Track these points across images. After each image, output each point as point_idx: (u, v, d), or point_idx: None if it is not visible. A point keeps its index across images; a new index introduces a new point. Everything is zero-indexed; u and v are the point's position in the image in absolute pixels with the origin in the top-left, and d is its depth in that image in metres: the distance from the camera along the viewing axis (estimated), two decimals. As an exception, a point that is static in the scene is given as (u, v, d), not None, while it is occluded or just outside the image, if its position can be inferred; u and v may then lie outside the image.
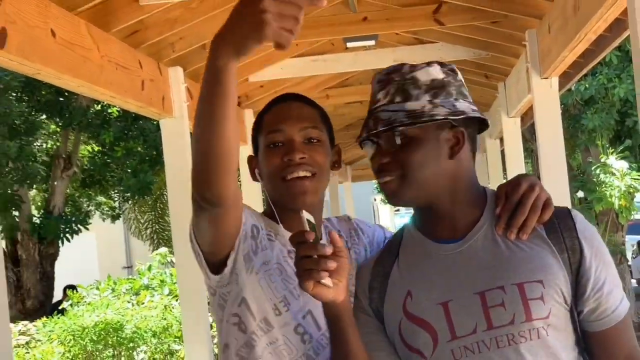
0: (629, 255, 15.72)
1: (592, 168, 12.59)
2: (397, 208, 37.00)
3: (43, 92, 14.07)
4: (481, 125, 2.23)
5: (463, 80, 2.19)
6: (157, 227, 17.86)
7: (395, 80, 2.09)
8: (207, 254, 2.33)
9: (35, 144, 15.16)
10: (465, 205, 2.14)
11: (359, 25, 7.03)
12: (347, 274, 2.08)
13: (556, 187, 6.74)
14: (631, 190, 11.90)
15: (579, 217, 2.10)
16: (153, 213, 17.78)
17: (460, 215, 2.14)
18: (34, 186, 15.53)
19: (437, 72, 2.12)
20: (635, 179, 12.00)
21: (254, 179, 2.53)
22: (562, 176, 6.76)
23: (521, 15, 6.46)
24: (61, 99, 14.09)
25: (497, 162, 11.11)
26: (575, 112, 12.05)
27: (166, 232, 16.87)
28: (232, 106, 1.98)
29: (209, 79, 1.99)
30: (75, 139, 15.18)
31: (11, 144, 13.65)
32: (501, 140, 9.87)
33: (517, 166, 9.09)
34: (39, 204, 16.56)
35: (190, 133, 6.73)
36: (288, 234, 2.30)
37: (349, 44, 7.69)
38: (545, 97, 6.62)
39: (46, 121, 15.02)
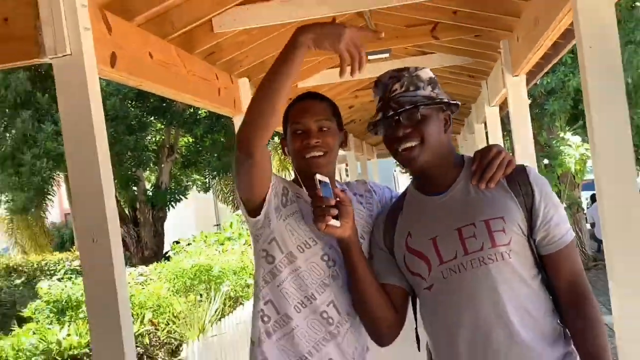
0: (584, 205, 15.56)
1: (554, 142, 12.48)
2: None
3: (151, 100, 14.17)
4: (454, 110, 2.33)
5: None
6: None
7: (405, 76, 2.18)
8: (245, 202, 2.43)
9: (146, 138, 15.24)
10: (449, 167, 2.20)
11: (377, 43, 6.99)
12: (351, 217, 2.24)
13: (526, 157, 6.68)
14: (584, 158, 11.78)
15: (532, 171, 2.17)
16: (233, 184, 17.86)
17: (445, 174, 2.19)
18: (147, 169, 15.67)
19: (429, 73, 2.24)
20: (587, 149, 11.87)
21: (284, 154, 2.63)
22: (530, 149, 6.69)
23: (497, 29, 6.41)
24: (164, 104, 14.17)
25: (483, 141, 11.06)
26: (541, 101, 11.96)
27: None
28: (291, 80, 2.17)
29: (284, 53, 2.18)
30: (175, 134, 15.27)
31: (130, 138, 13.82)
32: (485, 124, 9.79)
33: (498, 143, 9.04)
34: (152, 181, 16.65)
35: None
36: (303, 195, 2.50)
37: (370, 57, 7.63)
38: (516, 90, 6.57)
39: (154, 121, 15.10)
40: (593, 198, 16.62)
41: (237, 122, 6.44)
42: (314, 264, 2.44)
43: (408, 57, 8.24)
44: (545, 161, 11.72)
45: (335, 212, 2.16)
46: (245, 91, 6.46)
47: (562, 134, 12.79)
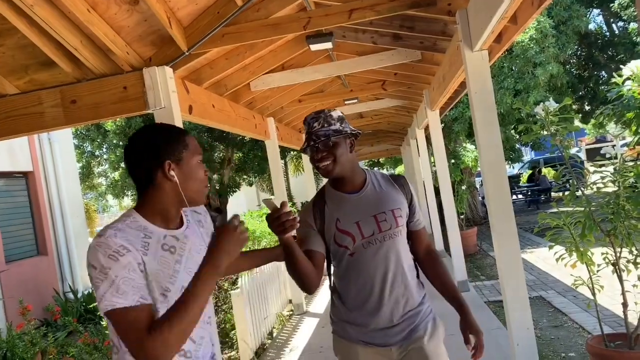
0: (477, 186, 15.47)
1: (458, 149, 12.43)
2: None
3: (216, 132, 14.11)
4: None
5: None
6: (269, 185, 17.81)
7: (322, 117, 1.97)
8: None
9: (214, 155, 15.19)
10: (357, 175, 2.03)
11: (349, 93, 6.98)
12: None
13: (441, 159, 6.67)
14: (476, 158, 11.73)
15: (406, 180, 2.10)
16: (268, 180, 17.79)
17: (355, 179, 2.03)
18: (216, 173, 15.61)
19: (339, 113, 2.02)
20: (477, 153, 11.84)
21: (167, 178, 1.54)
22: (443, 153, 6.67)
23: (420, 83, 6.39)
24: (224, 134, 14.11)
25: (415, 150, 11.02)
26: (449, 124, 11.88)
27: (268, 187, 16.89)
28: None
29: (206, 289, 1.40)
30: (231, 151, 15.20)
31: (203, 156, 13.77)
32: (416, 140, 9.73)
33: (423, 150, 9.01)
34: (218, 181, 16.62)
35: (280, 146, 6.75)
36: (159, 230, 1.52)
37: (346, 102, 7.61)
38: (434, 118, 6.56)
39: (218, 144, 15.03)
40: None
41: (268, 144, 6.44)
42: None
43: (369, 101, 8.19)
44: (453, 160, 11.65)
45: (297, 219, 1.79)
46: (271, 125, 6.44)
47: (463, 144, 12.75)
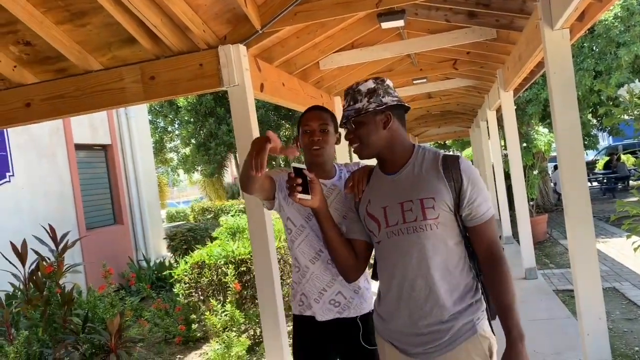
0: (549, 172, 14.87)
1: (531, 132, 11.99)
2: None
3: (283, 110, 14.27)
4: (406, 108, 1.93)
5: (390, 85, 1.88)
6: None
7: (350, 93, 1.84)
8: (262, 200, 2.22)
9: (280, 133, 15.39)
10: (398, 153, 1.83)
11: (418, 73, 6.86)
12: (318, 192, 1.93)
13: (513, 143, 6.46)
14: (549, 142, 11.25)
15: (463, 162, 1.78)
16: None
17: (397, 160, 1.84)
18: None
19: (370, 84, 1.83)
20: (552, 136, 11.35)
21: (297, 147, 2.17)
22: (515, 137, 6.46)
23: (494, 62, 6.20)
24: (290, 113, 14.24)
25: (485, 133, 10.74)
26: (522, 107, 11.45)
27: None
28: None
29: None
30: (297, 129, 15.36)
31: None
32: (487, 122, 9.46)
33: (494, 133, 8.76)
34: (284, 159, 16.83)
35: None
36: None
37: (415, 82, 7.50)
38: (507, 100, 6.38)
39: (284, 123, 15.20)
40: (555, 167, 15.92)
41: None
42: (317, 230, 2.14)
43: (438, 81, 8.02)
44: (524, 144, 11.23)
45: (299, 188, 1.86)
46: (338, 105, 6.45)
47: (536, 127, 12.27)
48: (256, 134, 3.21)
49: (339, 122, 1.96)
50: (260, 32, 3.21)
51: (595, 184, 17.37)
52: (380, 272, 1.89)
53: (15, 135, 7.50)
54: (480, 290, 1.81)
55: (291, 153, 1.84)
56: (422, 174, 1.80)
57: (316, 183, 1.94)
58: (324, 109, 2.30)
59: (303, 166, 1.93)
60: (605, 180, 16.85)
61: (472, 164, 1.83)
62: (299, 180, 1.87)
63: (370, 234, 1.89)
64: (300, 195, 1.87)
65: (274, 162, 15.53)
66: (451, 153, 1.97)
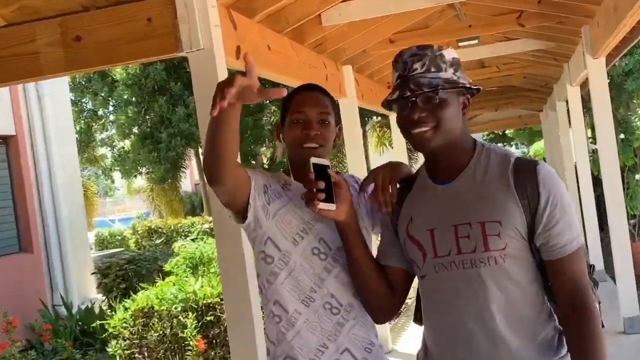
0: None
1: (632, 118, 12.01)
2: None
3: (266, 86, 14.29)
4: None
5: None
6: (340, 165, 17.91)
7: (428, 55, 1.86)
8: (229, 206, 2.19)
9: (263, 119, 15.47)
10: (460, 154, 1.90)
11: (467, 30, 6.88)
12: (347, 201, 1.98)
13: (605, 132, 6.48)
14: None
15: (543, 170, 1.81)
16: (339, 157, 17.87)
17: (455, 162, 1.89)
18: (264, 145, 15.91)
19: (454, 53, 1.92)
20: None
21: (279, 140, 2.37)
22: (610, 125, 6.48)
23: (578, 16, 6.23)
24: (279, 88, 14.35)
25: (564, 118, 10.77)
26: (619, 81, 11.45)
27: (344, 164, 16.91)
28: (231, 129, 1.89)
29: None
30: (281, 115, 15.47)
31: (248, 119, 14.08)
32: (567, 102, 9.50)
33: (578, 119, 8.80)
34: (267, 156, 16.91)
35: (359, 108, 6.78)
36: (298, 184, 2.20)
37: (460, 44, 7.52)
38: (597, 71, 6.39)
39: (269, 104, 15.27)
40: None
41: (342, 104, 6.49)
42: (307, 259, 2.16)
43: (495, 42, 8.05)
44: (622, 135, 11.25)
45: (322, 195, 1.90)
46: (349, 77, 6.48)
47: (638, 111, 12.28)
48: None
49: (397, 92, 1.90)
50: (236, -29, 3.23)
51: None
52: (426, 316, 1.96)
53: None
54: (566, 346, 1.84)
55: (277, 94, 1.80)
56: (485, 186, 1.85)
57: (343, 187, 1.99)
58: (323, 90, 2.30)
59: (326, 162, 1.99)
60: None
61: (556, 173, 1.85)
62: (321, 184, 1.92)
63: (412, 263, 1.96)
64: (322, 205, 1.91)
65: (253, 162, 15.54)
66: (527, 157, 2.01)
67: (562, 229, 1.78)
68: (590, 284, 1.82)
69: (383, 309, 2.04)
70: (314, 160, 1.95)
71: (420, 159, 13.38)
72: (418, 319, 2.05)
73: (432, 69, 1.86)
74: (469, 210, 1.82)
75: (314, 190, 1.90)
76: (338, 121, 2.32)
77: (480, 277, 1.79)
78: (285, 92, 1.78)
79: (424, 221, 1.89)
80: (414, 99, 1.83)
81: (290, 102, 2.25)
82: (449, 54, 1.90)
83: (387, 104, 1.93)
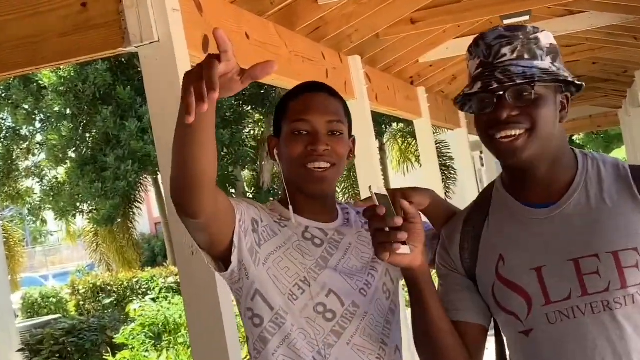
0: None
1: None
2: None
3: (247, 87, 14.38)
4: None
5: None
6: (352, 192, 17.93)
7: (520, 38, 1.86)
8: (207, 250, 2.13)
9: (244, 132, 15.51)
10: (561, 168, 1.91)
11: (514, 3, 6.91)
12: (422, 240, 1.90)
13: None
14: None
15: None
16: (348, 181, 17.91)
17: (555, 178, 1.90)
18: (246, 167, 15.92)
19: (552, 38, 1.92)
20: None
21: (272, 158, 2.33)
22: None
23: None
24: (262, 91, 14.37)
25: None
26: None
27: (355, 189, 16.91)
28: (208, 133, 1.80)
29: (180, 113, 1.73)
30: (275, 123, 15.51)
31: (224, 132, 14.05)
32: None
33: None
34: (250, 182, 16.94)
35: (372, 112, 6.79)
36: (298, 217, 2.21)
37: (506, 21, 7.56)
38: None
39: (251, 111, 15.34)
40: None
41: (350, 107, 6.50)
42: (308, 320, 2.12)
43: (554, 18, 8.08)
44: None
45: (404, 237, 1.82)
46: (357, 71, 6.49)
47: None
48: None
49: (478, 83, 1.88)
50: None
51: None
52: None
53: None
54: None
55: (265, 69, 1.69)
56: (606, 205, 1.86)
57: (418, 222, 1.93)
58: (332, 90, 2.29)
59: (384, 192, 1.93)
60: None
61: None
62: (399, 221, 1.84)
63: (506, 316, 1.96)
64: (402, 249, 1.84)
65: (232, 190, 15.52)
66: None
67: None
68: None
69: None
70: (376, 190, 1.87)
71: (461, 183, 13.32)
72: None
73: (526, 56, 1.86)
74: (593, 238, 1.83)
75: (387, 230, 1.80)
76: (351, 131, 2.31)
77: (618, 321, 1.80)
78: (276, 66, 1.70)
79: (524, 258, 1.89)
80: (501, 92, 1.83)
81: (288, 108, 2.24)
82: (547, 38, 1.91)
83: (463, 99, 1.94)
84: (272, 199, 15.73)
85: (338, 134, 2.18)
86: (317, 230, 2.23)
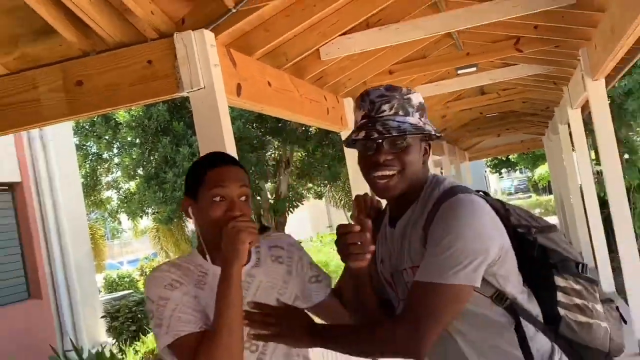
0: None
1: (634, 137, 12.01)
2: (501, 174, 35.23)
3: (269, 122, 14.37)
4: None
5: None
6: (347, 199, 17.92)
7: (396, 98, 1.81)
8: None
9: (266, 155, 15.49)
10: (408, 198, 1.88)
11: (464, 59, 6.91)
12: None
13: (609, 153, 6.46)
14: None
15: (450, 203, 1.78)
16: (343, 191, 17.86)
17: (401, 205, 1.90)
18: (268, 181, 15.91)
19: (420, 98, 1.87)
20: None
21: (187, 216, 2.11)
22: (613, 145, 6.46)
23: (575, 39, 6.26)
24: (280, 125, 14.35)
25: (567, 141, 10.78)
26: (619, 101, 11.48)
27: (349, 197, 16.93)
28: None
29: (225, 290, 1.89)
30: (290, 149, 15.44)
31: (252, 155, 14.06)
32: (568, 125, 9.52)
33: (580, 141, 8.79)
34: (272, 191, 16.91)
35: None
36: (214, 267, 2.01)
37: (459, 72, 7.56)
38: (597, 92, 6.39)
39: (272, 140, 15.31)
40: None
41: (344, 136, 6.48)
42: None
43: (494, 69, 8.09)
44: (626, 156, 11.24)
45: (373, 249, 1.82)
46: (349, 109, 6.48)
47: (640, 130, 12.33)
48: (233, 154, 3.20)
49: (361, 131, 1.85)
50: (234, 10, 3.24)
51: None
52: None
53: None
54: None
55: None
56: (414, 227, 1.85)
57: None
58: (238, 161, 2.14)
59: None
60: None
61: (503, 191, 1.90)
62: (368, 237, 1.83)
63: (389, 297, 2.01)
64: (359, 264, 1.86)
65: (258, 197, 15.52)
66: (451, 186, 1.91)
67: (426, 261, 1.77)
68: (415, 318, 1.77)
69: None
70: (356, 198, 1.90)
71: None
72: None
73: (400, 112, 1.82)
74: (403, 255, 1.84)
75: (359, 244, 1.80)
76: (429, 135, 2.08)
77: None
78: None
79: (389, 263, 1.89)
80: (381, 140, 1.79)
81: (207, 176, 2.04)
82: (417, 98, 1.87)
83: (351, 142, 1.89)
84: (287, 204, 15.72)
85: (244, 198, 2.02)
86: None
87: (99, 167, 18.18)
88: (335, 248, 1.89)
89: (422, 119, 1.85)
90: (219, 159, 2.10)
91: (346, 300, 2.02)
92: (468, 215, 1.74)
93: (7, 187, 9.71)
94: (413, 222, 1.84)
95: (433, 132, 1.84)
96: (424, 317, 1.72)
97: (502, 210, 1.87)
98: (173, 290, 1.94)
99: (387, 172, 1.80)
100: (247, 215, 2.01)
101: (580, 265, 1.89)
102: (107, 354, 9.03)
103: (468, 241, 1.72)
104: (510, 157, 23.18)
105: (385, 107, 1.81)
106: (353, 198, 1.89)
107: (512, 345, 1.81)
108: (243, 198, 2.02)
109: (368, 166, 1.82)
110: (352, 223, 1.76)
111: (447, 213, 1.75)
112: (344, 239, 1.76)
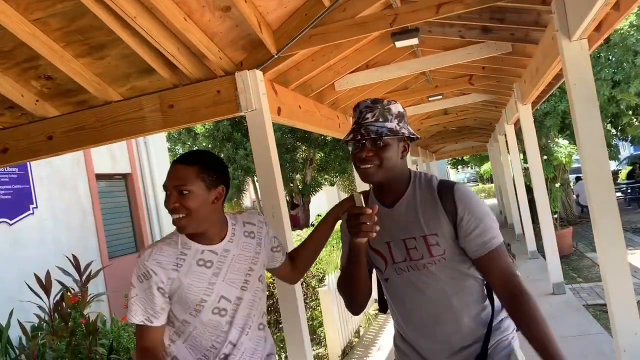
0: (571, 184, 14.62)
1: (550, 145, 11.85)
2: (458, 169, 34.87)
3: (299, 132, 14.36)
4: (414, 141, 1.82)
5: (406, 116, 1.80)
6: (351, 186, 17.80)
7: (378, 108, 1.69)
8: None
9: (297, 155, 15.48)
10: (399, 185, 1.74)
11: (433, 90, 6.85)
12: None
13: (533, 155, 6.39)
14: (570, 154, 11.11)
15: (458, 190, 1.66)
16: (349, 180, 17.75)
17: (395, 191, 1.74)
18: (298, 173, 15.88)
19: (400, 107, 1.73)
20: (572, 148, 11.23)
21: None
22: (536, 150, 6.38)
23: (511, 76, 6.18)
24: (306, 134, 14.31)
25: (504, 147, 10.64)
26: (540, 119, 11.35)
27: (353, 184, 16.84)
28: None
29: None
30: (313, 152, 15.40)
31: (287, 156, 14.06)
32: (505, 136, 9.42)
33: (513, 147, 8.69)
34: (300, 180, 16.90)
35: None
36: (195, 244, 1.79)
37: (430, 99, 7.49)
38: (525, 113, 6.33)
39: (300, 145, 15.28)
40: (577, 179, 15.68)
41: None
42: (205, 323, 1.77)
43: (454, 97, 8.01)
44: (545, 157, 11.10)
45: (377, 228, 1.60)
46: (355, 124, 6.45)
47: (555, 140, 12.15)
48: (275, 157, 3.20)
49: (351, 134, 1.69)
50: (275, 56, 3.23)
51: (619, 194, 17.05)
52: (395, 307, 1.82)
53: (38, 167, 7.62)
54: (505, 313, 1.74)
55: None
56: (421, 206, 1.70)
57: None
58: (189, 161, 1.77)
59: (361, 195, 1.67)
60: (629, 190, 16.56)
61: (471, 184, 1.77)
62: (375, 218, 1.60)
63: (375, 269, 1.82)
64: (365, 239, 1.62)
65: (291, 184, 15.52)
66: (448, 179, 1.82)
67: (480, 231, 1.63)
68: (515, 274, 1.64)
69: (364, 304, 1.83)
70: (356, 196, 1.63)
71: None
72: (383, 309, 1.91)
73: (380, 119, 1.69)
74: (412, 227, 1.69)
75: (368, 223, 1.57)
76: (218, 182, 1.80)
77: (433, 273, 1.68)
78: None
79: (381, 235, 1.68)
80: (363, 141, 1.68)
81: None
82: (396, 107, 1.74)
83: (346, 142, 1.79)
84: (311, 189, 15.70)
85: (186, 192, 1.71)
86: (209, 253, 1.79)
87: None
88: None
89: (400, 124, 1.70)
90: (178, 158, 1.79)
91: (347, 274, 1.78)
92: (478, 197, 1.71)
93: (122, 177, 9.82)
94: (414, 203, 1.71)
95: (407, 134, 1.72)
96: (514, 274, 1.63)
97: None
98: (141, 282, 1.81)
99: (368, 165, 1.68)
100: (186, 208, 1.72)
101: (508, 245, 1.78)
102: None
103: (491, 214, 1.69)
104: (464, 157, 22.98)
105: (369, 115, 1.69)
106: (353, 193, 1.75)
107: (480, 289, 1.73)
108: (185, 192, 1.72)
109: (355, 160, 1.71)
110: (365, 207, 1.59)
111: (469, 196, 1.66)
112: (357, 218, 1.60)
